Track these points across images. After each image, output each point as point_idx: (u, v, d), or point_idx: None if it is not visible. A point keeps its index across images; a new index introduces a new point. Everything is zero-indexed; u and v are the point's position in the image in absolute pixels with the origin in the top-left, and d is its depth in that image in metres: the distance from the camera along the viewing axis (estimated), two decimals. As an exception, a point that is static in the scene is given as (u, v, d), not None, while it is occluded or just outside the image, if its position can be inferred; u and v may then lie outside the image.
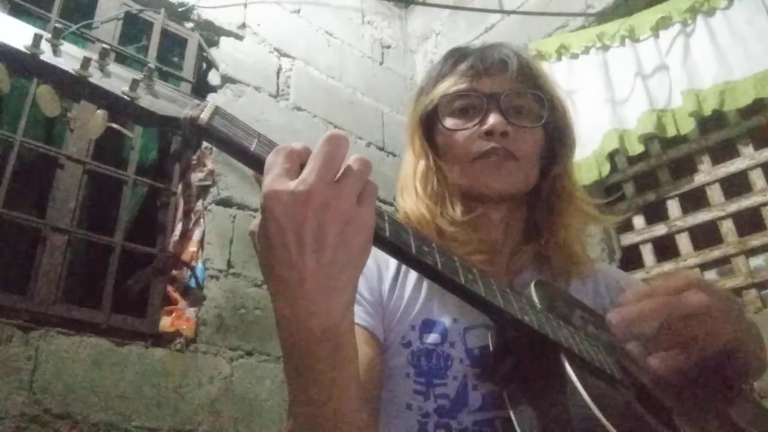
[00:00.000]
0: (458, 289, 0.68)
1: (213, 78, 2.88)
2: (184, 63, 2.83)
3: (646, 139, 2.52)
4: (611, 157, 2.58)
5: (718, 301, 0.70)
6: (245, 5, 3.09)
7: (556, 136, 0.96)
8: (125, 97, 0.48)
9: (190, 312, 2.33)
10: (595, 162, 2.56)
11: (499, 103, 0.89)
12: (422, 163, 0.96)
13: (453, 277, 0.66)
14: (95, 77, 0.46)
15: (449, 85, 0.94)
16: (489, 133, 0.89)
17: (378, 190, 0.52)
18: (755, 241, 2.26)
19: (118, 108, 0.49)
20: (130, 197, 2.50)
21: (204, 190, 2.58)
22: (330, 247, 0.48)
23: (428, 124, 0.97)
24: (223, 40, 2.96)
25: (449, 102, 0.94)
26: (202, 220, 2.53)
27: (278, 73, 3.12)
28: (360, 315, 0.81)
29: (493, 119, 0.89)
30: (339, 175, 0.49)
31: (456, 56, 0.97)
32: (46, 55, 0.45)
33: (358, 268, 0.51)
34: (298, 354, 0.53)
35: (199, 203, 2.55)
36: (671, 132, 2.43)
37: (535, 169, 0.93)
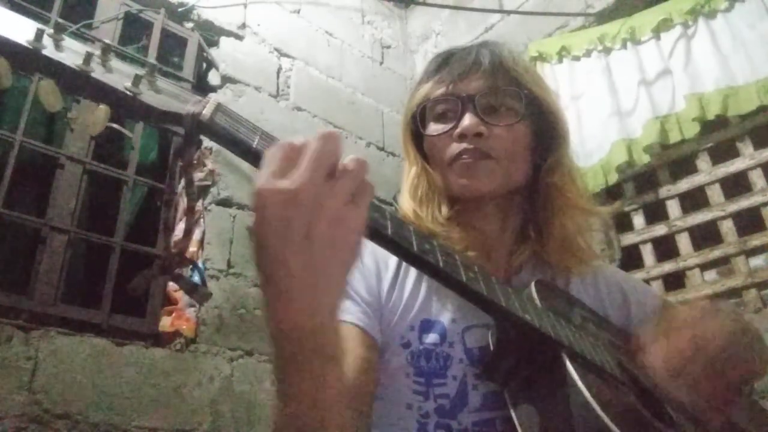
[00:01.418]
0: (459, 287, 0.68)
1: (213, 78, 2.88)
2: (184, 63, 2.83)
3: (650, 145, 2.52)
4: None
5: (731, 325, 0.78)
6: (245, 5, 3.09)
7: (544, 130, 0.95)
8: (128, 92, 0.47)
9: (190, 312, 2.33)
10: (601, 170, 2.56)
11: (474, 104, 0.89)
12: (413, 169, 0.97)
13: (454, 275, 0.66)
14: (97, 72, 0.46)
15: (428, 91, 0.95)
16: (463, 136, 0.89)
17: (374, 191, 0.52)
18: (755, 241, 2.26)
19: (121, 103, 0.48)
20: (130, 197, 2.49)
21: (204, 190, 2.58)
22: (318, 246, 0.47)
23: (417, 130, 0.98)
24: (223, 40, 2.96)
25: (430, 108, 0.95)
26: (202, 220, 2.53)
27: (278, 73, 3.12)
28: (357, 315, 0.81)
29: (466, 121, 0.89)
30: (336, 173, 0.49)
31: (438, 61, 0.98)
32: (48, 50, 0.44)
33: (347, 268, 0.51)
34: (285, 350, 0.53)
35: (199, 203, 2.55)
36: (675, 138, 2.44)
37: (520, 166, 0.93)
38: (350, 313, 0.81)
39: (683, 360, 0.75)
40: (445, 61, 0.96)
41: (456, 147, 0.90)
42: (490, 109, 0.90)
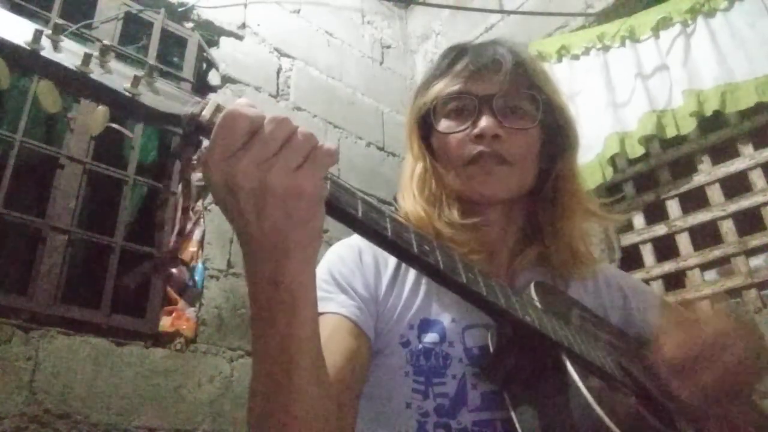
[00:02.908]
0: (460, 288, 0.68)
1: (213, 78, 2.88)
2: (184, 63, 2.83)
3: (647, 140, 2.52)
4: (612, 159, 2.57)
5: (735, 327, 0.78)
6: (245, 5, 3.09)
7: (556, 135, 0.94)
8: (127, 93, 0.47)
9: (190, 312, 2.33)
10: (599, 165, 2.55)
11: (491, 105, 0.88)
12: (420, 165, 0.95)
13: (454, 276, 0.66)
14: (96, 74, 0.46)
15: (443, 86, 0.92)
16: (480, 137, 0.87)
17: (334, 159, 0.54)
18: (755, 241, 2.26)
19: (120, 105, 0.48)
20: (130, 197, 2.49)
21: (204, 190, 2.58)
22: (269, 215, 0.51)
23: (425, 126, 0.96)
24: (223, 40, 2.96)
25: (443, 104, 0.92)
26: (202, 220, 2.53)
27: (278, 73, 3.12)
28: (350, 309, 0.81)
29: (484, 122, 0.87)
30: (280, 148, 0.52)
31: (451, 56, 0.96)
32: (47, 51, 0.44)
33: (304, 232, 0.54)
34: (257, 305, 0.58)
35: (199, 203, 2.55)
36: (671, 132, 2.43)
37: (531, 171, 0.92)
38: (344, 306, 0.81)
39: (687, 360, 0.75)
40: (459, 57, 0.94)
41: (473, 148, 0.88)
42: (508, 111, 0.89)
